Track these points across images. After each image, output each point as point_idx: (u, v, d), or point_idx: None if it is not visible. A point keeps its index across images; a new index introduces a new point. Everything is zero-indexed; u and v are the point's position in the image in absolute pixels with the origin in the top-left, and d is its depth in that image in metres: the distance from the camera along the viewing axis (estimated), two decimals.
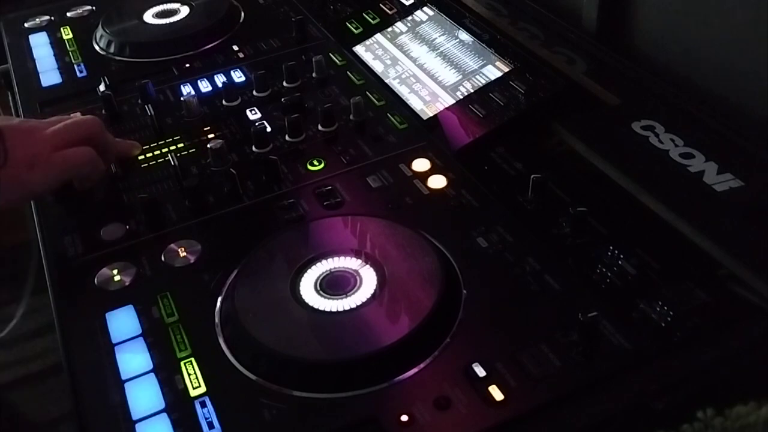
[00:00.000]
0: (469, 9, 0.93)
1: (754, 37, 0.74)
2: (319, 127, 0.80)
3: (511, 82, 0.79)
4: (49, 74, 0.94)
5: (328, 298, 0.59)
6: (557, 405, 0.51)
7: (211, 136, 0.81)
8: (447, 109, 0.80)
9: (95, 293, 0.63)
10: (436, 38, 0.90)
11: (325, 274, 0.61)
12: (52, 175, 0.68)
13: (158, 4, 1.03)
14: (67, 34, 1.02)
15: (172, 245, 0.67)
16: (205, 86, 0.89)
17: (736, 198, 0.63)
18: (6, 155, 0.65)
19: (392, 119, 0.81)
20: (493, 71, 0.82)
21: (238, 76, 0.90)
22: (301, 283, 0.61)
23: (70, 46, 1.00)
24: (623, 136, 0.71)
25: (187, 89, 0.89)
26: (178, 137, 0.81)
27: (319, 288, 0.60)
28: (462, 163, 0.74)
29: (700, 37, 0.81)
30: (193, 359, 0.57)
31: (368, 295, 0.59)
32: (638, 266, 0.60)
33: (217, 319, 0.60)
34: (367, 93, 0.85)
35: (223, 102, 0.86)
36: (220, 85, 0.88)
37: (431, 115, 0.81)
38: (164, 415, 0.53)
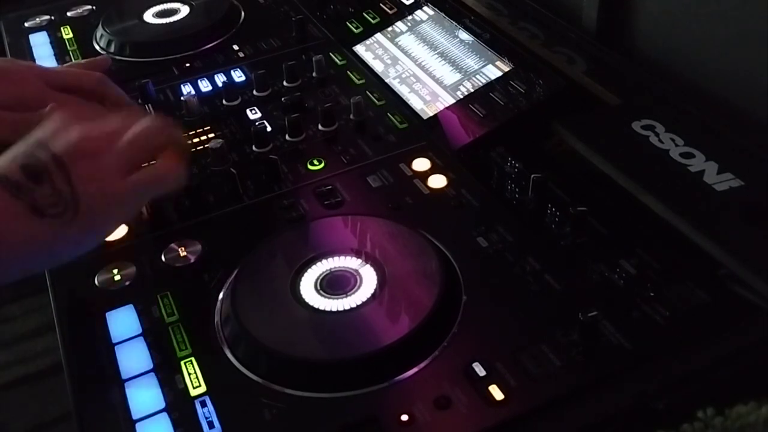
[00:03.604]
0: (469, 9, 0.93)
1: (754, 37, 0.74)
2: (320, 127, 0.80)
3: (511, 82, 0.79)
4: None
5: (328, 298, 0.59)
6: (557, 405, 0.51)
7: (211, 135, 0.81)
8: (447, 108, 0.80)
9: (95, 293, 0.63)
10: (436, 38, 0.90)
11: (325, 274, 0.61)
12: (129, 210, 0.60)
13: (158, 3, 1.03)
14: (67, 33, 1.02)
15: (173, 245, 0.67)
16: (205, 86, 0.89)
17: (736, 198, 0.63)
18: (77, 203, 0.54)
19: (392, 119, 0.81)
20: (493, 71, 0.82)
21: (238, 76, 0.90)
22: (301, 283, 0.61)
23: (70, 46, 1.00)
24: (623, 136, 0.71)
25: (187, 89, 0.89)
26: None
27: (319, 287, 0.60)
28: (462, 162, 0.74)
29: (700, 37, 0.81)
30: (193, 359, 0.57)
31: (368, 295, 0.59)
32: (638, 266, 0.60)
33: (217, 319, 0.60)
34: (368, 92, 0.85)
35: (224, 102, 0.86)
36: (220, 84, 0.88)
37: (431, 114, 0.81)
38: (164, 414, 0.53)
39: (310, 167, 0.75)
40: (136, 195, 0.59)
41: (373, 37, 0.94)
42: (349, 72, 0.90)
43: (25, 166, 0.54)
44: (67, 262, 0.58)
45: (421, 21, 0.93)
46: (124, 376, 0.56)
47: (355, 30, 0.97)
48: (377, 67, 0.90)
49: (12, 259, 0.54)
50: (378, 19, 0.97)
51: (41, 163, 0.55)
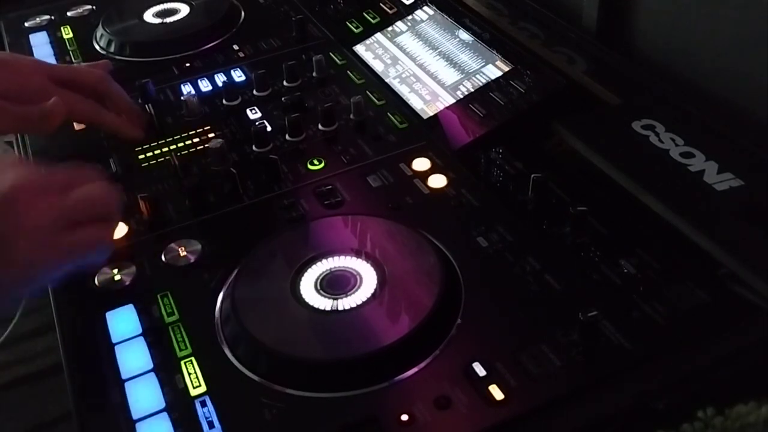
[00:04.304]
0: (469, 8, 0.93)
1: (754, 37, 0.74)
2: (320, 127, 0.80)
3: (511, 82, 0.79)
4: None
5: (329, 298, 0.59)
6: (557, 405, 0.51)
7: (211, 135, 0.81)
8: (447, 108, 0.80)
9: (95, 292, 0.63)
10: (436, 37, 0.90)
11: (325, 274, 0.61)
12: (53, 275, 0.57)
13: (158, 3, 1.03)
14: (67, 33, 1.02)
15: (173, 244, 0.67)
16: (205, 85, 0.89)
17: (736, 197, 0.63)
18: (11, 252, 0.52)
19: (392, 119, 0.81)
20: (494, 71, 0.82)
21: (238, 76, 0.90)
22: (302, 283, 0.61)
23: (70, 46, 1.00)
24: (623, 136, 0.71)
25: (187, 88, 0.89)
26: (179, 137, 0.81)
27: (319, 287, 0.60)
28: (462, 162, 0.74)
29: (700, 37, 0.81)
30: (193, 359, 0.57)
31: (368, 295, 0.59)
32: (638, 266, 0.60)
33: (217, 319, 0.60)
34: (368, 92, 0.85)
35: (224, 101, 0.85)
36: (220, 84, 0.88)
37: (431, 114, 0.81)
38: (164, 414, 0.53)
39: (310, 167, 0.75)
40: (64, 260, 0.56)
41: (373, 37, 0.94)
42: (349, 72, 0.90)
43: None
44: None
45: (421, 21, 0.93)
46: (124, 376, 0.56)
47: (355, 30, 0.97)
48: (377, 66, 0.90)
49: None
50: (378, 19, 0.97)
51: None
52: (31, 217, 0.53)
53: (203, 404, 0.54)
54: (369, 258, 0.62)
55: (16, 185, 0.54)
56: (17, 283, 0.54)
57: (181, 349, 0.58)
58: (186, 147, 0.79)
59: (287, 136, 0.79)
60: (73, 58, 0.96)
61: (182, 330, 0.59)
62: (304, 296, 0.59)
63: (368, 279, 0.60)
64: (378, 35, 0.94)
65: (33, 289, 0.57)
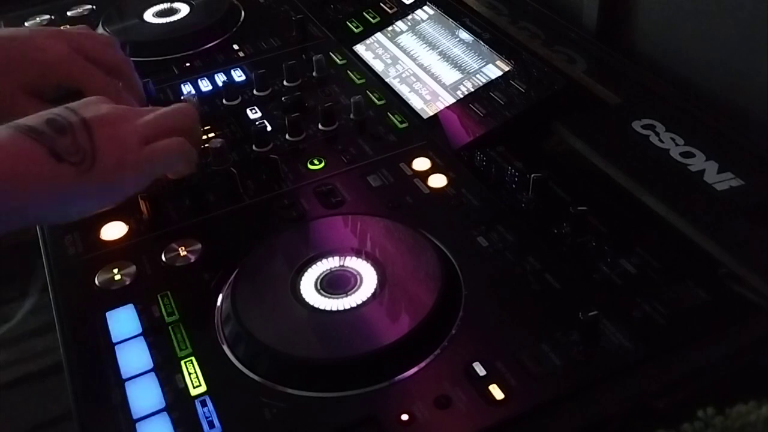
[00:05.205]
0: (469, 8, 0.93)
1: (754, 36, 0.74)
2: (320, 126, 0.80)
3: (511, 81, 0.79)
4: None
5: (329, 297, 0.59)
6: (557, 404, 0.51)
7: (211, 135, 0.81)
8: (447, 108, 0.80)
9: (95, 292, 0.63)
10: (436, 37, 0.90)
11: (325, 273, 0.61)
12: (143, 175, 0.62)
13: (158, 3, 1.03)
14: None
15: (173, 244, 0.67)
16: (205, 85, 0.89)
17: (736, 197, 0.63)
18: (94, 156, 0.58)
19: (392, 118, 0.81)
20: (494, 70, 0.82)
21: (238, 75, 0.90)
22: (302, 282, 0.61)
23: None
24: (624, 135, 0.71)
25: (187, 88, 0.89)
26: None
27: (319, 287, 0.60)
28: (462, 162, 0.74)
29: (700, 37, 0.81)
30: (193, 358, 0.57)
31: (368, 294, 0.59)
32: (638, 266, 0.60)
33: (217, 318, 0.60)
34: (368, 92, 0.85)
35: (224, 101, 0.85)
36: (220, 84, 0.88)
37: (431, 114, 0.81)
38: (165, 414, 0.53)
39: (310, 167, 0.75)
40: (149, 162, 0.62)
41: (373, 37, 0.94)
42: (349, 71, 0.90)
43: (51, 120, 0.58)
44: (78, 218, 0.63)
45: (421, 20, 0.93)
46: (124, 375, 0.56)
47: (355, 29, 0.97)
48: (377, 66, 0.90)
49: (29, 199, 0.56)
50: (378, 19, 0.97)
51: (67, 121, 0.58)
52: (108, 140, 0.59)
53: (203, 404, 0.54)
54: (369, 258, 0.62)
55: (95, 118, 0.60)
56: (103, 193, 0.61)
57: (181, 349, 0.58)
58: None
59: (287, 136, 0.79)
60: None
61: (182, 330, 0.59)
62: (304, 296, 0.59)
63: (368, 279, 0.60)
64: (378, 35, 0.94)
65: (120, 196, 0.63)
